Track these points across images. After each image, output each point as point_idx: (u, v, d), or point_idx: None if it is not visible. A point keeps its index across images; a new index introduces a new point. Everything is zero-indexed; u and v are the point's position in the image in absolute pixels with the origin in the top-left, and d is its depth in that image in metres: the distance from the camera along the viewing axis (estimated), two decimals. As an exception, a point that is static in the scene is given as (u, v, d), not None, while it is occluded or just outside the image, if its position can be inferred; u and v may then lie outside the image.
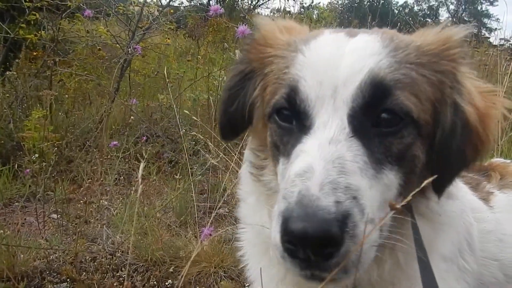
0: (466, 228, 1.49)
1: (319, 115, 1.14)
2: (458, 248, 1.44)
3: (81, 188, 3.79)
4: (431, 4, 64.58)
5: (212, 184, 3.92)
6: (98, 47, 6.06)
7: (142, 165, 1.42)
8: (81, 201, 3.34)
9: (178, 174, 3.87)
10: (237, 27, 2.57)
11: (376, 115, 1.13)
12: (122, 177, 4.03)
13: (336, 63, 1.16)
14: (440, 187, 1.26)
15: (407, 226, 1.19)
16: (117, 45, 5.99)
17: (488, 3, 61.53)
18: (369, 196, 1.04)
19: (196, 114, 5.75)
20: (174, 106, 3.84)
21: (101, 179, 3.66)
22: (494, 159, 2.25)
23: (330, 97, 1.13)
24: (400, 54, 1.19)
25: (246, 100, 1.37)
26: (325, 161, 1.05)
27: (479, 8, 62.12)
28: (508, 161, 2.23)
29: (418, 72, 1.18)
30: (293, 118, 1.21)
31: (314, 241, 0.94)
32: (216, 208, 2.79)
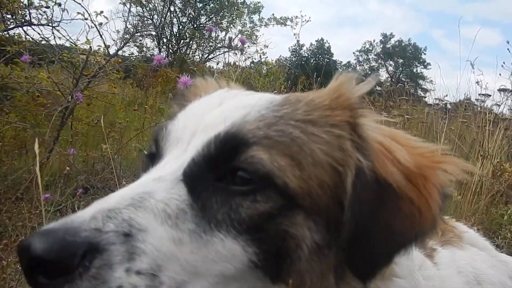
0: (416, 286, 1.39)
1: (169, 154, 1.06)
2: None
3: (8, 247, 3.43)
4: (371, 65, 70.18)
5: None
6: (37, 94, 5.82)
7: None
8: (4, 262, 3.00)
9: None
10: (179, 78, 2.57)
11: (228, 170, 0.97)
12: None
13: (206, 112, 1.09)
14: (364, 274, 1.03)
15: None
16: (59, 92, 5.79)
17: (422, 67, 68.26)
18: (167, 249, 0.86)
19: (142, 164, 5.57)
20: (114, 156, 3.69)
21: (29, 234, 3.34)
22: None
23: (186, 141, 1.05)
24: (286, 110, 1.06)
25: None
26: (126, 191, 0.92)
27: (414, 70, 68.62)
28: (446, 217, 2.29)
29: (304, 131, 1.02)
30: (154, 156, 1.13)
31: (34, 260, 0.77)
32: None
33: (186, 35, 29.56)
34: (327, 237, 1.00)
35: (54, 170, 5.11)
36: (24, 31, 6.18)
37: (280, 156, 0.97)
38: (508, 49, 6.77)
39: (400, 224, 1.01)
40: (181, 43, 29.93)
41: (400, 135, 1.17)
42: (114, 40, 6.70)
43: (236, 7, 30.77)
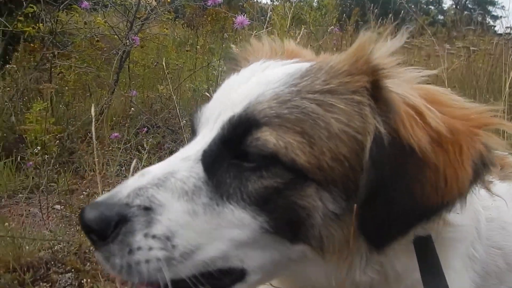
0: (475, 216, 1.42)
1: (200, 133, 1.16)
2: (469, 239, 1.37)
3: (84, 180, 3.83)
4: (433, -11, 63.76)
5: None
6: (96, 39, 6.04)
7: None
8: (84, 192, 3.37)
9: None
10: (235, 17, 2.56)
11: (240, 149, 1.04)
12: (123, 168, 4.07)
13: (234, 89, 1.15)
14: (378, 242, 1.05)
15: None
16: (116, 36, 5.97)
17: (493, -11, 60.73)
18: (182, 219, 1.00)
19: (196, 104, 5.77)
20: (174, 96, 3.84)
21: (103, 170, 3.69)
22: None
23: (213, 120, 1.12)
24: (305, 82, 1.07)
25: None
26: (157, 171, 1.06)
27: (484, -6, 61.30)
28: (506, 153, 2.23)
29: (321, 103, 1.03)
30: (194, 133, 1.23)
31: (85, 227, 1.00)
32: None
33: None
34: (348, 205, 1.03)
35: (118, 111, 5.43)
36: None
37: (289, 134, 1.00)
38: None
39: (421, 192, 0.99)
40: (228, -22, 28.94)
41: (442, 94, 1.10)
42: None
43: None
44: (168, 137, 5.21)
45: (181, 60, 7.28)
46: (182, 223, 1.01)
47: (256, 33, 3.99)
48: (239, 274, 1.09)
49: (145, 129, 4.50)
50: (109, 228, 0.98)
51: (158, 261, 0.98)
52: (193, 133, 1.22)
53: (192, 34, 10.04)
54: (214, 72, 5.93)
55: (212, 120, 1.13)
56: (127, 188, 1.04)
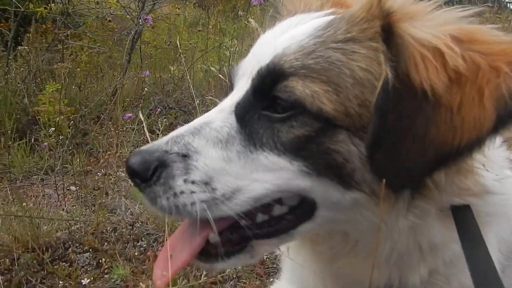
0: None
1: (237, 87, 1.21)
2: None
3: (99, 160, 3.82)
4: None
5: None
6: (108, 19, 5.97)
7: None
8: (99, 173, 3.37)
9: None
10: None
11: (269, 100, 1.08)
12: (137, 148, 4.05)
13: (268, 43, 1.17)
14: (395, 185, 1.04)
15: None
16: (127, 16, 5.90)
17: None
18: (217, 165, 1.07)
19: (208, 85, 5.71)
20: (188, 77, 3.78)
21: (119, 151, 3.68)
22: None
23: (248, 73, 1.16)
24: (328, 32, 1.08)
25: None
26: (194, 122, 1.14)
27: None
28: None
29: (345, 51, 1.04)
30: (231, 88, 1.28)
31: (129, 170, 1.09)
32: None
33: None
34: None
35: (130, 92, 5.40)
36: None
37: (315, 83, 1.02)
38: None
39: (436, 132, 0.97)
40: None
41: (480, 31, 1.06)
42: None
43: None
44: (181, 117, 5.18)
45: (193, 41, 7.18)
46: (217, 169, 1.07)
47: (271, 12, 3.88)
48: (310, 207, 1.11)
49: (159, 109, 4.46)
50: (149, 171, 1.06)
51: (203, 203, 1.05)
52: (231, 87, 1.26)
53: (203, 14, 9.89)
54: (226, 52, 5.84)
55: (246, 75, 1.17)
56: (166, 137, 1.12)
